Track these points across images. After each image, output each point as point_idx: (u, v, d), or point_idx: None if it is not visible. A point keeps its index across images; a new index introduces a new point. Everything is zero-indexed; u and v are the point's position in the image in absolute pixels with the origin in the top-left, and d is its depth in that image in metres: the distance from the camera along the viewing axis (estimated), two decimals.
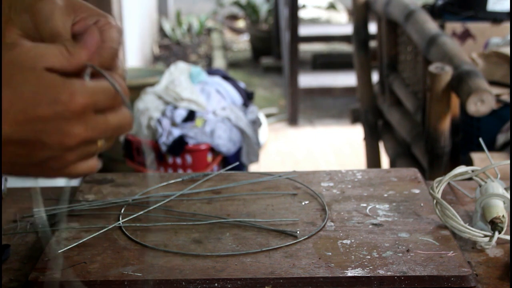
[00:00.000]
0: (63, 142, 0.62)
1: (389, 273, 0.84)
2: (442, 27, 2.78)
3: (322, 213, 1.02)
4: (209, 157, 3.19)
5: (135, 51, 5.37)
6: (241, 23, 8.12)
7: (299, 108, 5.15)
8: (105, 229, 0.96)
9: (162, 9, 8.07)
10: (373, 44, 3.59)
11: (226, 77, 3.53)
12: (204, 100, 3.23)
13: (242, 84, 3.57)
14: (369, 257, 0.88)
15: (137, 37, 5.69)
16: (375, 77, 3.41)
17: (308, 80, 5.51)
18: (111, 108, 0.65)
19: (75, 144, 0.62)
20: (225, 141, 3.17)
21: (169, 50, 7.37)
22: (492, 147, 2.22)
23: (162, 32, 7.90)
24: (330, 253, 0.89)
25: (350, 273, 0.85)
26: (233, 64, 6.71)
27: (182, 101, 3.20)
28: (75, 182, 3.29)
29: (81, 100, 0.61)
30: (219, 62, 6.54)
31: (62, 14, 0.71)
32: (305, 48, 6.19)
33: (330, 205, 1.04)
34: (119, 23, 4.43)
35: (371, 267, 0.86)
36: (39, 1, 0.71)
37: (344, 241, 0.93)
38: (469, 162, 1.98)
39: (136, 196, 1.07)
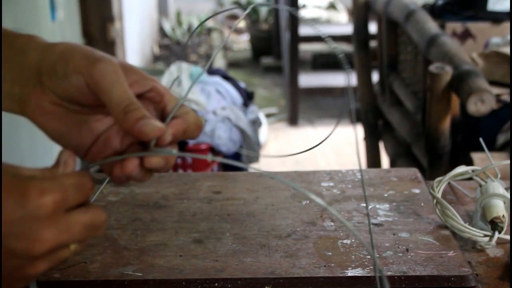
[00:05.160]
0: (32, 249, 0.53)
1: (389, 273, 0.84)
2: (442, 27, 2.78)
3: (322, 213, 1.02)
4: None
5: (135, 51, 5.37)
6: (241, 23, 8.12)
7: (299, 108, 5.15)
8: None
9: (162, 9, 8.08)
10: (373, 44, 3.60)
11: (226, 77, 3.53)
12: (204, 100, 3.23)
13: (242, 84, 3.57)
14: (369, 257, 0.88)
15: (137, 37, 5.69)
16: (375, 77, 3.41)
17: (308, 80, 5.51)
18: (82, 204, 0.57)
19: (44, 251, 0.54)
20: (225, 141, 3.17)
21: (169, 50, 7.37)
22: (492, 147, 2.22)
23: (162, 32, 7.91)
24: (330, 253, 0.89)
25: (350, 273, 0.85)
26: (233, 64, 6.71)
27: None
28: None
29: (51, 198, 0.54)
30: (219, 62, 6.54)
31: (123, 77, 0.65)
32: (305, 48, 6.19)
33: (330, 204, 1.04)
34: (119, 23, 4.42)
35: (371, 267, 0.86)
36: (98, 61, 0.64)
37: (344, 241, 0.93)
38: (469, 162, 1.98)
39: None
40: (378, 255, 0.89)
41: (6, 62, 0.67)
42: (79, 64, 0.64)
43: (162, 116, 0.67)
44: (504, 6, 2.84)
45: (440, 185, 1.00)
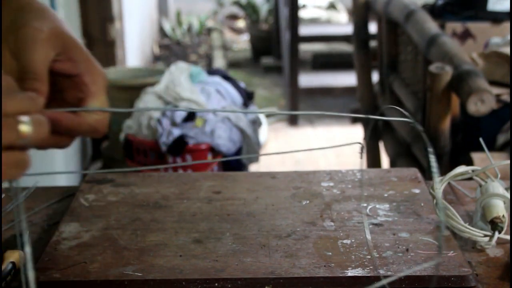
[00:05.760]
0: None
1: (389, 273, 0.84)
2: (442, 27, 2.78)
3: (322, 213, 1.01)
4: (209, 157, 3.19)
5: (135, 51, 5.37)
6: (241, 23, 8.12)
7: (299, 108, 5.15)
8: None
9: (162, 9, 8.07)
10: (373, 44, 3.60)
11: (226, 77, 3.53)
12: (204, 100, 3.23)
13: (242, 84, 3.57)
14: (369, 257, 0.88)
15: (137, 37, 5.69)
16: (375, 77, 3.41)
17: (308, 80, 5.51)
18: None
19: None
20: (225, 141, 3.17)
21: (169, 50, 7.37)
22: (492, 147, 2.22)
23: (162, 32, 7.91)
24: (330, 253, 0.89)
25: (350, 273, 0.85)
26: (233, 64, 6.71)
27: (182, 101, 3.20)
28: (75, 182, 3.29)
29: None
30: (219, 62, 6.55)
31: (44, 46, 0.67)
32: (305, 48, 6.19)
33: (330, 204, 1.04)
34: (119, 23, 4.42)
35: (371, 267, 0.86)
36: (24, 26, 0.67)
37: (344, 241, 0.93)
38: (469, 162, 1.97)
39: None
40: (378, 255, 0.89)
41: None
42: (15, 27, 0.68)
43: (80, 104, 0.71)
44: (504, 6, 2.84)
45: (440, 185, 1.00)
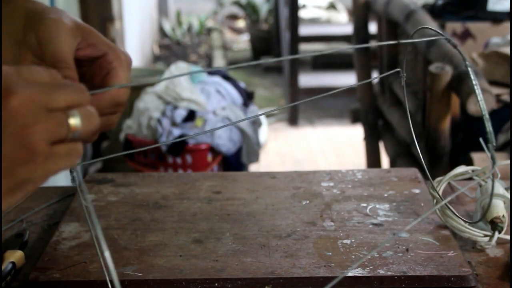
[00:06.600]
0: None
1: (389, 273, 0.84)
2: (442, 27, 2.78)
3: (322, 213, 1.01)
4: (209, 157, 3.19)
5: (135, 51, 5.37)
6: (241, 23, 8.12)
7: (299, 108, 5.15)
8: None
9: (162, 9, 8.08)
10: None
11: (226, 77, 3.53)
12: (204, 100, 3.22)
13: (242, 84, 3.57)
14: (369, 257, 0.88)
15: (137, 37, 5.69)
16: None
17: (308, 80, 5.51)
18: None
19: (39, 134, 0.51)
20: (225, 141, 3.17)
21: (169, 50, 7.37)
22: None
23: (162, 31, 7.91)
24: (330, 253, 0.89)
25: (350, 273, 0.85)
26: (233, 64, 6.71)
27: (182, 101, 3.20)
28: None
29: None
30: (219, 62, 6.55)
31: (68, 35, 0.69)
32: (305, 48, 6.19)
33: (330, 204, 1.04)
34: (119, 23, 4.41)
35: (371, 267, 0.86)
36: (45, 19, 0.70)
37: (344, 241, 0.93)
38: (469, 162, 1.97)
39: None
40: (378, 255, 0.89)
41: (6, 27, 0.73)
42: (33, 22, 0.70)
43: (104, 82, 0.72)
44: (504, 6, 2.84)
45: (440, 185, 1.00)
